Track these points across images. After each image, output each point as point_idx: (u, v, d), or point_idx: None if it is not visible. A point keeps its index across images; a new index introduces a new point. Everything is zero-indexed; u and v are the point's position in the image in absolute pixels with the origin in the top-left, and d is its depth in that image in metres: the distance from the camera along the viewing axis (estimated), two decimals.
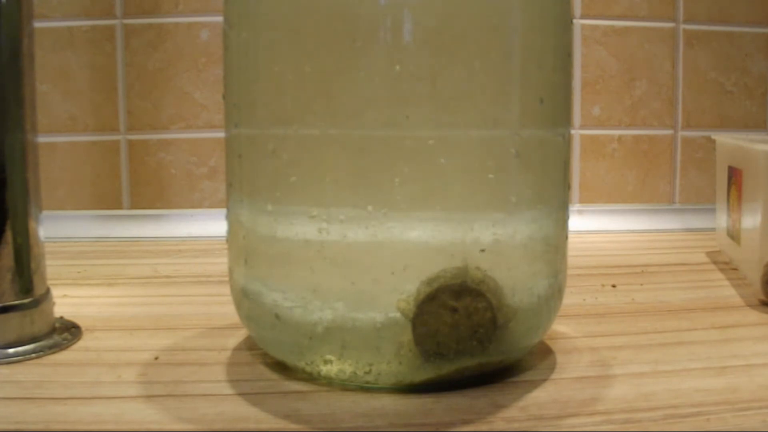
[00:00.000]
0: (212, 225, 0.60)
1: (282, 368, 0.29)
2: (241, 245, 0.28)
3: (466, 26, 0.25)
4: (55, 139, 0.62)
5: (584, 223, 0.63)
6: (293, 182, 0.26)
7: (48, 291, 0.33)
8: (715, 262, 0.49)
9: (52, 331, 0.33)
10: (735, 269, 0.47)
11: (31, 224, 0.32)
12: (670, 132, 0.66)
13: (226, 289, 0.30)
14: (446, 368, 0.26)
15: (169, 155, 0.62)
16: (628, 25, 0.64)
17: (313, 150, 0.25)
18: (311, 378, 0.28)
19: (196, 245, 0.56)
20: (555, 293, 0.29)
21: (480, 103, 0.25)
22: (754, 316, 0.37)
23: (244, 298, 0.29)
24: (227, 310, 0.32)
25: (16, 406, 0.26)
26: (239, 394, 0.27)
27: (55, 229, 0.58)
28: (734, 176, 0.45)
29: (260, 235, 0.27)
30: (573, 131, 0.64)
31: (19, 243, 0.31)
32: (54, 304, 0.34)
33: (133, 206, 0.63)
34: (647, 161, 0.66)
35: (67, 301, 0.39)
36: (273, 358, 0.29)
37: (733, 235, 0.46)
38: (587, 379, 0.28)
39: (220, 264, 0.37)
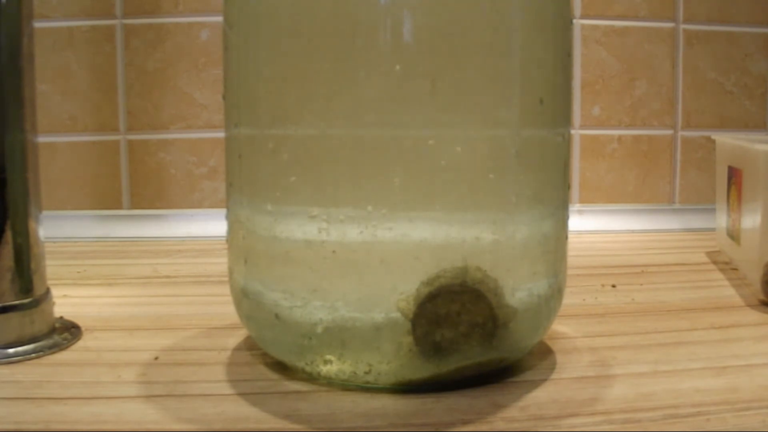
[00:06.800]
0: (212, 225, 0.60)
1: (282, 368, 0.29)
2: (241, 245, 0.28)
3: (465, 26, 0.25)
4: (55, 139, 0.62)
5: (584, 223, 0.63)
6: (293, 182, 0.26)
7: (48, 291, 0.33)
8: (715, 262, 0.49)
9: (52, 331, 0.33)
10: (735, 269, 0.47)
11: (31, 224, 0.32)
12: (670, 132, 0.66)
13: (226, 289, 0.30)
14: (446, 368, 0.26)
15: (169, 155, 0.62)
16: (628, 25, 0.64)
17: (313, 150, 0.25)
18: (311, 378, 0.28)
19: (196, 245, 0.56)
20: (555, 293, 0.29)
21: (480, 103, 0.25)
22: (754, 316, 0.37)
23: (244, 298, 0.29)
24: (227, 310, 0.32)
25: (16, 406, 0.26)
26: (239, 394, 0.27)
27: (55, 229, 0.58)
28: (734, 176, 0.45)
29: (260, 235, 0.27)
30: (573, 131, 0.64)
31: (19, 243, 0.31)
32: (54, 304, 0.34)
33: (133, 206, 0.63)
34: (647, 161, 0.66)
35: (67, 301, 0.39)
36: (273, 358, 0.29)
37: (733, 235, 0.46)
38: (587, 379, 0.28)
39: (220, 264, 0.37)
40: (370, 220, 0.25)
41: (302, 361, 0.27)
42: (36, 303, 0.32)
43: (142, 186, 0.63)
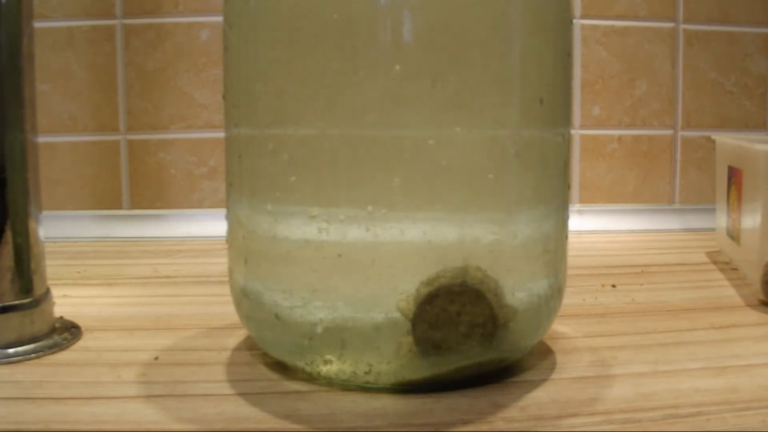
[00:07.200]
0: (212, 225, 0.60)
1: (282, 368, 0.29)
2: (241, 245, 0.28)
3: (465, 26, 0.25)
4: (55, 139, 0.62)
5: (584, 223, 0.63)
6: (293, 182, 0.26)
7: (48, 291, 0.33)
8: (715, 262, 0.49)
9: (52, 331, 0.33)
10: (735, 269, 0.47)
11: (31, 224, 0.32)
12: (670, 132, 0.66)
13: (226, 289, 0.30)
14: (446, 368, 0.26)
15: (169, 155, 0.62)
16: (628, 25, 0.64)
17: (313, 150, 0.25)
18: (311, 378, 0.28)
19: (196, 245, 0.56)
20: (555, 293, 0.29)
21: (480, 103, 0.25)
22: (754, 316, 0.37)
23: (244, 298, 0.29)
24: (227, 310, 0.32)
25: (16, 406, 0.26)
26: (239, 394, 0.27)
27: (55, 229, 0.58)
28: (734, 176, 0.45)
29: (260, 235, 0.27)
30: (573, 131, 0.64)
31: (19, 243, 0.31)
32: (54, 304, 0.34)
33: (133, 206, 0.63)
34: (647, 161, 0.66)
35: (67, 301, 0.39)
36: (273, 358, 0.29)
37: (733, 235, 0.46)
38: (587, 379, 0.28)
39: (220, 264, 0.37)
40: (370, 220, 0.25)
41: (302, 361, 0.27)
42: (36, 303, 0.32)
43: (142, 186, 0.63)
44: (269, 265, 0.27)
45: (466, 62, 0.25)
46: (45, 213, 0.33)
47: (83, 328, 0.34)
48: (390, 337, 0.26)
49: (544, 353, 0.31)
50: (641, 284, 0.43)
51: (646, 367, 0.29)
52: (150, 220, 0.61)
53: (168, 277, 0.46)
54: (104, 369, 0.29)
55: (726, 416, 0.25)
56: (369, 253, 0.25)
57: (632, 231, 0.62)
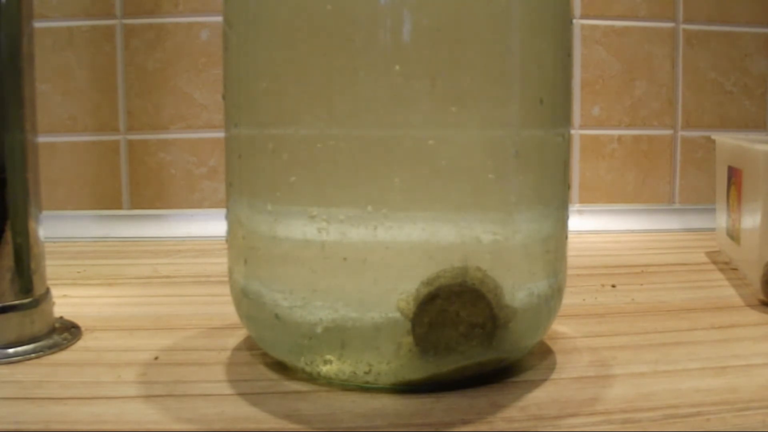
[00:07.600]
0: (212, 225, 0.60)
1: (282, 368, 0.29)
2: (240, 245, 0.28)
3: (465, 26, 0.25)
4: (55, 139, 0.62)
5: (584, 223, 0.63)
6: (293, 182, 0.26)
7: (48, 291, 0.33)
8: (715, 262, 0.49)
9: (52, 331, 0.33)
10: (735, 269, 0.47)
11: (31, 224, 0.32)
12: (669, 132, 0.66)
13: (226, 289, 0.30)
14: (446, 368, 0.26)
15: (169, 155, 0.62)
16: (628, 25, 0.64)
17: (313, 150, 0.25)
18: (311, 378, 0.28)
19: (196, 245, 0.56)
20: (555, 293, 0.29)
21: (480, 103, 0.25)
22: (754, 316, 0.37)
23: (244, 298, 0.29)
24: (227, 310, 0.32)
25: (16, 406, 0.26)
26: (239, 394, 0.27)
27: (55, 229, 0.58)
28: (734, 176, 0.45)
29: (260, 235, 0.27)
30: (573, 131, 0.64)
31: (19, 243, 0.31)
32: (54, 304, 0.34)
33: (133, 206, 0.63)
34: (647, 161, 0.66)
35: (67, 301, 0.39)
36: (273, 358, 0.29)
37: (733, 235, 0.46)
38: (587, 379, 0.28)
39: (220, 264, 0.37)
40: (370, 220, 0.25)
41: (302, 361, 0.27)
42: (36, 303, 0.32)
43: (142, 186, 0.63)
44: (269, 265, 0.27)
45: (466, 62, 0.25)
46: (45, 213, 0.33)
47: (83, 328, 0.34)
48: (390, 337, 0.26)
49: (544, 353, 0.31)
50: (641, 284, 0.43)
51: (646, 367, 0.29)
52: (150, 220, 0.61)
53: (168, 277, 0.46)
54: (104, 369, 0.29)
55: (726, 416, 0.25)
56: (369, 252, 0.25)
57: (632, 231, 0.62)
